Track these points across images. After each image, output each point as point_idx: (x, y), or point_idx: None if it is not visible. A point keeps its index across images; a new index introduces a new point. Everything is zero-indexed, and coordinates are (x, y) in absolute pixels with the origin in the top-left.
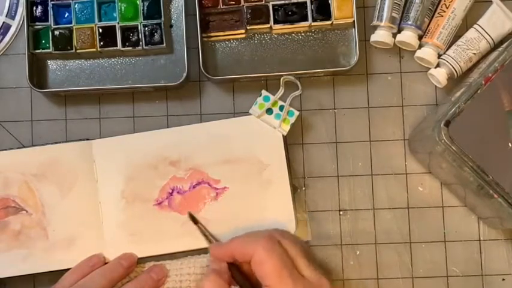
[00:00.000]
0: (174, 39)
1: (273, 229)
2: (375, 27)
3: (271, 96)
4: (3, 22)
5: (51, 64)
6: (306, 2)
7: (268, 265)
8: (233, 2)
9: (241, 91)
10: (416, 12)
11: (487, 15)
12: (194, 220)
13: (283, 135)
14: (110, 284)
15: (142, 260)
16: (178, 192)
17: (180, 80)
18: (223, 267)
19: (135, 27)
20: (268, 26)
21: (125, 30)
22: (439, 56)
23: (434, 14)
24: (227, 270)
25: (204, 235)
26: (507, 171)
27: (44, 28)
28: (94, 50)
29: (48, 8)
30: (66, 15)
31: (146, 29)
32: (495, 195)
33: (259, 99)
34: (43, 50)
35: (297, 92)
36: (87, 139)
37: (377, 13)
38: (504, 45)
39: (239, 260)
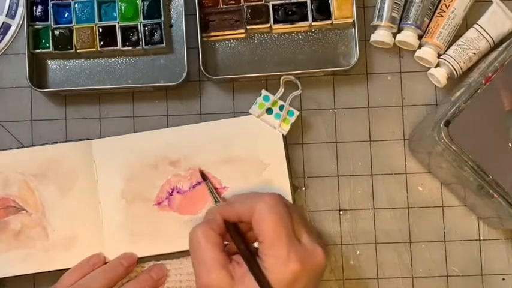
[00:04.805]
0: (174, 39)
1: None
2: (375, 27)
3: (271, 96)
4: (3, 22)
5: (51, 64)
6: (306, 2)
7: (267, 221)
8: (233, 2)
9: (241, 91)
10: (416, 12)
11: (487, 15)
12: (204, 177)
13: (283, 135)
14: (110, 284)
15: (142, 260)
16: (178, 192)
17: (180, 80)
18: (217, 219)
19: (135, 27)
20: (268, 25)
21: (125, 30)
22: (439, 55)
23: (434, 14)
24: (221, 222)
25: (212, 193)
26: (507, 171)
27: (44, 28)
28: (94, 49)
29: (48, 8)
30: (66, 15)
31: (146, 28)
32: (495, 195)
33: (259, 99)
34: (43, 50)
35: (297, 92)
36: (87, 139)
37: (377, 13)
38: (504, 45)
39: (244, 219)
